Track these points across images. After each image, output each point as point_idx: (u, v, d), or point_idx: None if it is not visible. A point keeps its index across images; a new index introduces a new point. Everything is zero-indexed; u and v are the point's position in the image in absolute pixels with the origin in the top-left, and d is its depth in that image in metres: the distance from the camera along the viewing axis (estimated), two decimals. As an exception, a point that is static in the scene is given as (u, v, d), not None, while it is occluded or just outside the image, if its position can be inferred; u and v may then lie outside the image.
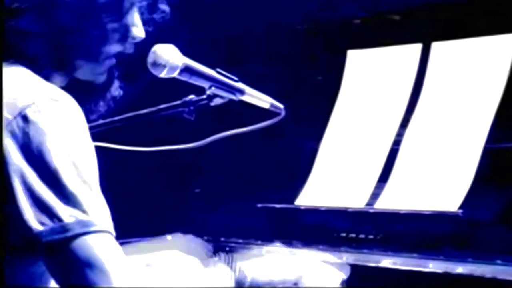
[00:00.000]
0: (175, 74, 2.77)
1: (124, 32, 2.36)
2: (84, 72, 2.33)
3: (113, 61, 2.39)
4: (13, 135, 2.07)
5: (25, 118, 2.08)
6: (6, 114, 2.09)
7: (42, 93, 2.13)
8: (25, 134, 2.07)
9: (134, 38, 2.40)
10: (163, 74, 2.76)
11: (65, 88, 2.26)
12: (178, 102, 2.93)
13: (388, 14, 3.44)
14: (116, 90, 2.41)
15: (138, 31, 2.40)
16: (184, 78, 2.80)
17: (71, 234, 2.03)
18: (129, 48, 2.40)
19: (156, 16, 2.44)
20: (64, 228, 2.03)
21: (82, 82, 2.34)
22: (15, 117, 2.08)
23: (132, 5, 2.37)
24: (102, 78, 2.38)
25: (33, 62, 2.24)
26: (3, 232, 2.12)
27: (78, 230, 2.03)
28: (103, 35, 2.31)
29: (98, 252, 2.04)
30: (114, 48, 2.35)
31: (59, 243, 2.03)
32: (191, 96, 2.90)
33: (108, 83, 2.39)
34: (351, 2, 3.62)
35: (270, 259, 2.53)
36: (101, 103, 2.40)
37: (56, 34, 2.26)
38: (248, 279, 2.37)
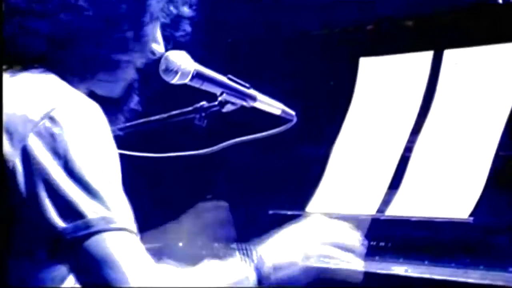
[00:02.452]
0: (186, 80, 2.79)
1: (143, 44, 2.38)
2: (102, 85, 2.37)
3: (131, 75, 2.40)
4: (40, 135, 2.09)
5: (52, 120, 2.10)
6: (33, 116, 2.10)
7: (69, 97, 2.16)
8: (52, 135, 2.09)
9: (153, 53, 2.43)
10: (175, 80, 2.79)
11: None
12: (190, 108, 2.92)
13: (401, 21, 3.43)
14: (134, 103, 2.45)
15: (158, 47, 2.43)
16: (195, 84, 2.81)
17: (94, 230, 2.05)
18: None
19: (177, 34, 2.47)
20: (87, 225, 2.05)
21: (99, 97, 2.35)
22: (42, 118, 2.10)
23: (153, 19, 2.39)
24: (119, 92, 2.40)
25: (58, 70, 2.25)
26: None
27: (102, 226, 2.05)
28: (122, 44, 2.32)
29: (120, 249, 2.06)
30: (133, 59, 2.37)
31: (83, 239, 2.05)
32: (203, 103, 2.90)
33: (126, 97, 2.42)
34: (363, 10, 3.60)
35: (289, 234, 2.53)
36: (119, 116, 2.44)
37: (78, 43, 2.28)
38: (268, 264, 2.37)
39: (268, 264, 2.36)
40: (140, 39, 2.36)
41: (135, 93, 2.44)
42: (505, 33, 3.05)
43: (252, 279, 2.30)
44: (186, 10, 2.46)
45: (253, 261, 2.32)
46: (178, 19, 2.46)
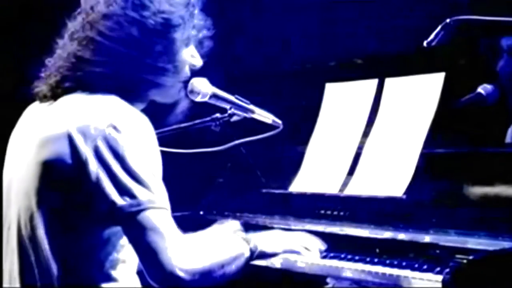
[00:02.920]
0: (206, 99, 2.78)
1: (179, 67, 2.27)
2: (158, 97, 2.30)
3: (178, 88, 2.31)
4: (106, 138, 2.07)
5: (114, 127, 2.08)
6: (101, 124, 2.08)
7: (126, 111, 2.14)
8: (113, 139, 2.07)
9: (194, 65, 2.34)
10: (198, 99, 2.77)
11: (147, 109, 2.25)
12: (208, 118, 2.93)
13: (353, 59, 3.44)
14: (183, 106, 2.39)
15: (196, 60, 2.33)
16: (212, 102, 2.81)
17: (143, 207, 2.05)
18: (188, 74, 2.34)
19: (202, 51, 2.35)
20: (138, 203, 2.05)
21: (158, 103, 2.31)
22: (107, 126, 2.08)
23: (187, 42, 2.28)
24: (171, 100, 2.33)
25: (120, 94, 2.18)
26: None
27: (148, 204, 2.06)
28: (163, 72, 2.24)
29: (159, 222, 2.06)
30: (174, 78, 2.27)
31: (135, 213, 2.05)
32: (217, 114, 2.91)
33: (177, 103, 2.35)
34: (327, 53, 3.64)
35: (271, 233, 2.50)
36: (174, 116, 2.39)
37: (129, 76, 2.21)
38: (258, 249, 2.33)
39: (259, 249, 2.31)
40: (176, 67, 2.25)
41: (184, 100, 2.37)
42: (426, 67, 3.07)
43: (246, 255, 2.25)
44: (205, 32, 2.33)
45: (249, 244, 2.27)
46: (201, 40, 2.33)
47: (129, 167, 2.07)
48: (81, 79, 2.18)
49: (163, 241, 2.05)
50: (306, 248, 2.49)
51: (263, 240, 2.35)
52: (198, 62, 2.35)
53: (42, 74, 2.27)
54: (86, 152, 2.07)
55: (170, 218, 2.10)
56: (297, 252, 2.49)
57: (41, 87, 2.25)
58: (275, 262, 2.71)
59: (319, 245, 2.55)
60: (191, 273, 2.07)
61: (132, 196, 2.05)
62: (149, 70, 2.22)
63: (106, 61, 2.18)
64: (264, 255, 2.36)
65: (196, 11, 2.32)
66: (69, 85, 2.19)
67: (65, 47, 2.24)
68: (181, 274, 2.05)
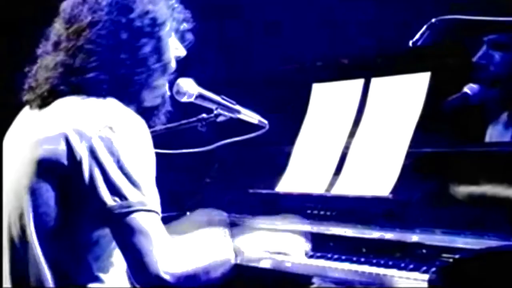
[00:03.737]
0: (192, 99, 2.79)
1: (167, 64, 2.31)
2: (148, 99, 2.31)
3: (165, 83, 2.34)
4: (101, 138, 2.10)
5: (110, 128, 2.11)
6: (97, 124, 2.10)
7: (122, 113, 2.16)
8: (109, 139, 2.10)
9: (178, 56, 2.37)
10: (184, 99, 2.79)
11: (139, 111, 2.27)
12: (194, 118, 2.93)
13: (340, 59, 3.44)
14: (169, 106, 2.40)
15: (180, 51, 2.36)
16: (198, 102, 2.82)
17: (133, 209, 2.08)
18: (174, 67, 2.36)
19: (184, 43, 2.38)
20: (129, 205, 2.07)
21: (147, 105, 2.33)
22: (103, 127, 2.11)
23: (170, 38, 2.31)
24: (160, 100, 2.35)
25: (115, 94, 2.21)
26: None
27: (138, 206, 2.08)
28: (154, 73, 2.27)
29: (148, 224, 2.08)
30: (163, 77, 2.31)
31: (124, 214, 2.08)
32: (203, 115, 2.91)
33: (163, 102, 2.37)
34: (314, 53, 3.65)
35: (257, 235, 2.51)
36: (161, 117, 2.40)
37: (122, 80, 2.23)
38: (245, 254, 2.37)
39: (245, 254, 2.35)
40: (165, 65, 2.30)
41: (167, 98, 2.39)
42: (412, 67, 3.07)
43: (232, 262, 2.27)
44: (186, 25, 2.37)
45: (236, 252, 2.30)
46: (182, 33, 2.37)
47: (123, 167, 2.09)
48: (73, 85, 2.20)
49: (149, 243, 2.07)
50: (291, 250, 2.50)
51: (248, 245, 2.39)
52: (182, 52, 2.37)
53: (26, 85, 2.28)
54: (82, 152, 2.09)
55: (159, 221, 2.12)
56: (283, 253, 2.51)
57: (31, 96, 2.25)
58: (261, 262, 2.70)
59: (304, 244, 2.57)
60: (176, 277, 2.09)
61: (123, 197, 2.07)
62: (140, 71, 2.24)
63: (97, 67, 2.20)
64: (250, 260, 2.37)
65: (176, 4, 2.35)
66: (62, 89, 2.21)
67: (50, 58, 2.24)
68: (166, 277, 2.06)
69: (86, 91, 2.19)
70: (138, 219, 2.07)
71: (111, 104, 2.18)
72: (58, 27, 2.26)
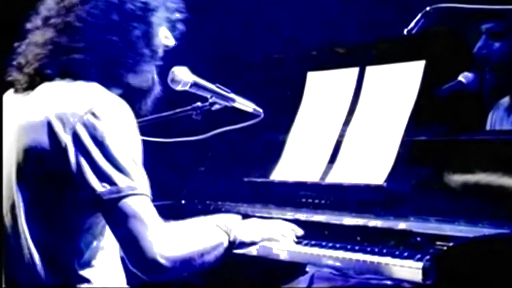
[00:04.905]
0: (187, 88, 2.78)
1: (156, 51, 2.32)
2: (135, 81, 2.30)
3: (153, 69, 2.33)
4: (84, 125, 2.09)
5: (93, 114, 2.09)
6: (80, 111, 2.09)
7: (106, 97, 2.15)
8: (93, 126, 2.08)
9: (167, 46, 2.37)
10: (179, 88, 2.78)
11: (124, 94, 2.26)
12: (189, 107, 2.93)
13: (334, 48, 3.44)
14: (158, 92, 2.38)
15: (169, 41, 2.37)
16: (193, 90, 2.81)
17: (122, 194, 2.07)
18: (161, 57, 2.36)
19: (175, 33, 2.38)
20: (118, 190, 2.07)
21: (134, 88, 2.31)
22: (86, 113, 2.09)
23: (160, 26, 2.32)
24: (147, 85, 2.34)
25: (98, 79, 2.21)
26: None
27: (128, 191, 2.07)
28: (142, 57, 2.27)
29: (140, 208, 2.08)
30: (151, 62, 2.31)
31: (114, 200, 2.07)
32: (198, 103, 2.91)
33: (152, 87, 2.35)
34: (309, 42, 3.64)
35: (252, 222, 2.52)
36: (148, 102, 2.38)
37: (110, 62, 2.22)
38: (238, 238, 2.37)
39: (238, 238, 2.35)
40: (153, 51, 2.30)
41: (157, 85, 2.38)
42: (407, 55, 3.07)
43: (225, 245, 2.28)
44: (177, 15, 2.37)
45: (228, 234, 2.30)
46: (173, 23, 2.36)
47: (108, 153, 2.08)
48: (61, 66, 2.19)
49: (143, 227, 2.07)
50: (283, 235, 2.52)
51: (241, 230, 2.39)
52: (171, 42, 2.37)
53: (15, 62, 2.26)
54: (66, 139, 2.09)
55: (150, 204, 2.12)
56: (275, 240, 2.52)
57: (17, 76, 2.24)
58: (253, 250, 2.72)
59: (296, 230, 2.59)
60: (172, 260, 2.09)
61: (111, 183, 2.07)
62: (128, 55, 2.24)
63: (85, 48, 2.19)
64: (243, 245, 2.39)
65: None
66: (49, 72, 2.20)
67: (40, 33, 2.23)
68: (162, 261, 2.07)
69: (72, 73, 2.18)
70: (129, 204, 2.07)
71: (94, 89, 2.17)
72: (49, 2, 2.25)
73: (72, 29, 2.19)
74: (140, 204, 2.08)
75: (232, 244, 2.33)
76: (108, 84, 2.22)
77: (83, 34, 2.19)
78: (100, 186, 2.07)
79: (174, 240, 2.13)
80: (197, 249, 2.19)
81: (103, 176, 2.07)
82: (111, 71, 2.23)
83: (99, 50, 2.20)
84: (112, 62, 2.22)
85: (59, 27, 2.20)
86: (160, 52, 2.35)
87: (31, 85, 2.22)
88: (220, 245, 2.28)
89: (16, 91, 2.25)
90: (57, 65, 2.19)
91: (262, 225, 2.53)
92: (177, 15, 2.37)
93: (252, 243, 2.46)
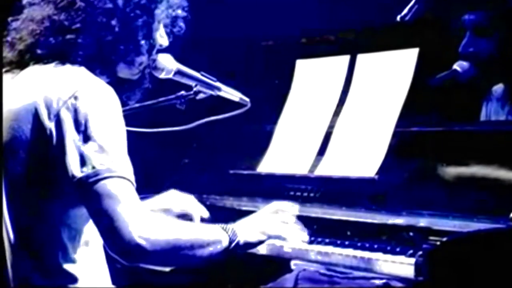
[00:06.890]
0: (170, 76, 2.76)
1: (152, 44, 2.33)
2: (124, 73, 2.31)
3: (145, 63, 2.34)
4: (68, 109, 2.08)
5: (76, 98, 2.09)
6: (63, 95, 2.09)
7: (90, 82, 2.14)
8: (76, 109, 2.08)
9: (160, 45, 2.38)
10: (162, 76, 2.74)
11: (112, 83, 2.23)
12: (173, 96, 2.91)
13: (324, 35, 3.42)
14: (147, 83, 2.39)
15: (164, 40, 2.37)
16: (177, 78, 2.79)
17: (101, 176, 2.04)
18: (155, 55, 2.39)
19: (175, 30, 2.40)
20: (96, 173, 2.04)
21: (123, 78, 2.32)
22: (69, 97, 2.09)
23: (159, 24, 2.33)
24: (136, 76, 2.35)
25: (87, 64, 2.20)
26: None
27: (106, 174, 2.04)
28: (137, 48, 2.28)
29: (117, 189, 2.04)
30: (145, 56, 2.32)
31: (93, 183, 2.04)
32: (182, 92, 2.89)
33: (141, 79, 2.36)
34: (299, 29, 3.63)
35: (255, 220, 2.46)
36: (137, 93, 2.39)
37: (104, 48, 2.22)
38: (241, 239, 2.31)
39: (239, 238, 2.25)
40: (150, 44, 2.32)
41: (147, 76, 2.38)
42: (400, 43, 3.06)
43: (224, 244, 2.20)
44: (180, 12, 2.39)
45: (227, 232, 2.22)
46: (175, 19, 2.38)
47: (90, 136, 2.07)
48: (53, 47, 2.19)
49: (119, 206, 2.02)
50: (291, 233, 2.46)
51: (245, 229, 2.30)
52: (165, 42, 2.38)
53: (9, 38, 2.25)
54: (50, 125, 2.08)
55: (131, 187, 2.08)
56: (283, 239, 2.46)
57: (7, 54, 2.24)
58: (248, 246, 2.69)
59: (302, 229, 2.53)
60: (152, 243, 2.04)
61: (91, 166, 2.05)
62: (124, 43, 2.25)
63: (83, 30, 2.19)
64: (249, 245, 2.32)
65: None
66: (40, 52, 2.19)
67: (39, 8, 2.23)
68: (141, 241, 2.02)
69: (63, 56, 2.18)
70: (106, 185, 2.03)
71: (81, 74, 2.16)
72: None
73: (73, 8, 2.20)
74: (118, 185, 2.05)
75: (232, 243, 2.25)
76: (96, 70, 2.21)
77: (82, 15, 2.19)
78: (79, 172, 2.05)
79: (156, 222, 2.08)
80: (186, 238, 2.15)
81: (83, 161, 2.05)
82: (103, 56, 2.23)
83: (96, 33, 2.20)
84: (107, 48, 2.22)
85: (60, 4, 2.20)
86: (155, 48, 2.36)
87: (19, 65, 2.22)
88: (217, 242, 2.20)
89: (3, 67, 2.25)
90: (49, 46, 2.19)
91: (267, 222, 2.46)
92: (179, 12, 2.39)
93: (259, 243, 2.40)
